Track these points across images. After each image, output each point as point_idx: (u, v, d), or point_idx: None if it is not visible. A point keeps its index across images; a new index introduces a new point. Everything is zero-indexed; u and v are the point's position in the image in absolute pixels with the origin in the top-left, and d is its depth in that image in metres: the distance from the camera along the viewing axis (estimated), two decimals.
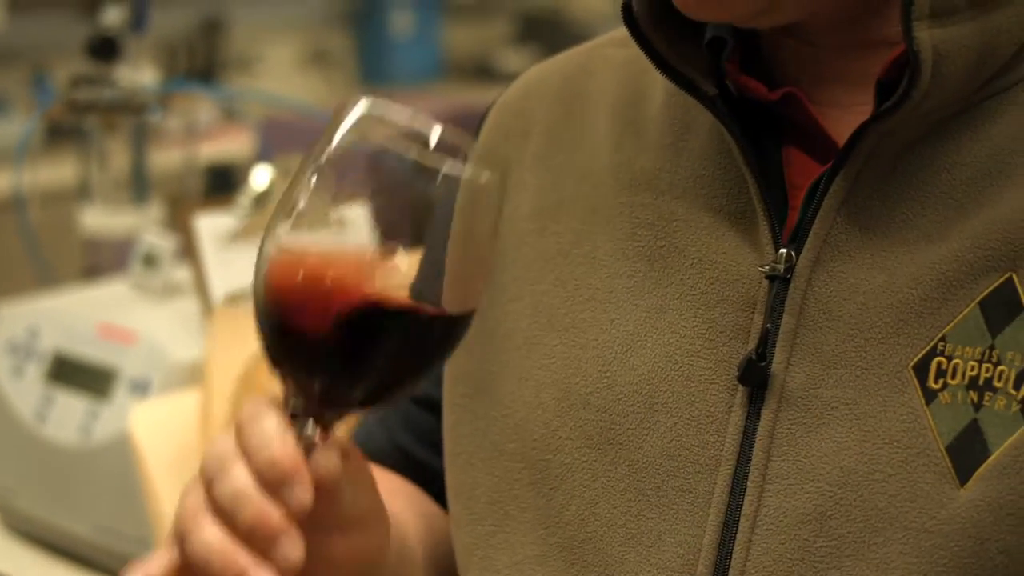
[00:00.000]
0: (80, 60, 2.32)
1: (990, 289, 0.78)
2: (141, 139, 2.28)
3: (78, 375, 1.75)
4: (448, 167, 0.75)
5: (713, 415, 0.84)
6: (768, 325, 0.82)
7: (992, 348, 0.78)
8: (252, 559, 0.73)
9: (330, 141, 0.76)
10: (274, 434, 0.74)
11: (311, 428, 0.76)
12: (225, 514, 0.74)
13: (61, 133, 3.13)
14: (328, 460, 0.75)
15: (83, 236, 2.27)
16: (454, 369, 0.97)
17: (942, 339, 0.79)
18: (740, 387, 0.83)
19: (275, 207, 0.78)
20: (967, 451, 0.77)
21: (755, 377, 0.82)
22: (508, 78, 1.05)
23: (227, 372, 1.52)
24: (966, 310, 0.79)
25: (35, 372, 1.79)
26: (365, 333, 0.74)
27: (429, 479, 1.05)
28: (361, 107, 0.77)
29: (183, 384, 1.63)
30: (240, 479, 0.74)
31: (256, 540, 0.73)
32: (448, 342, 0.78)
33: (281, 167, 1.75)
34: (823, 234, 0.82)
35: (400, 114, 0.76)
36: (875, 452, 0.79)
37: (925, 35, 0.77)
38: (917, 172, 0.81)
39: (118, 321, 1.74)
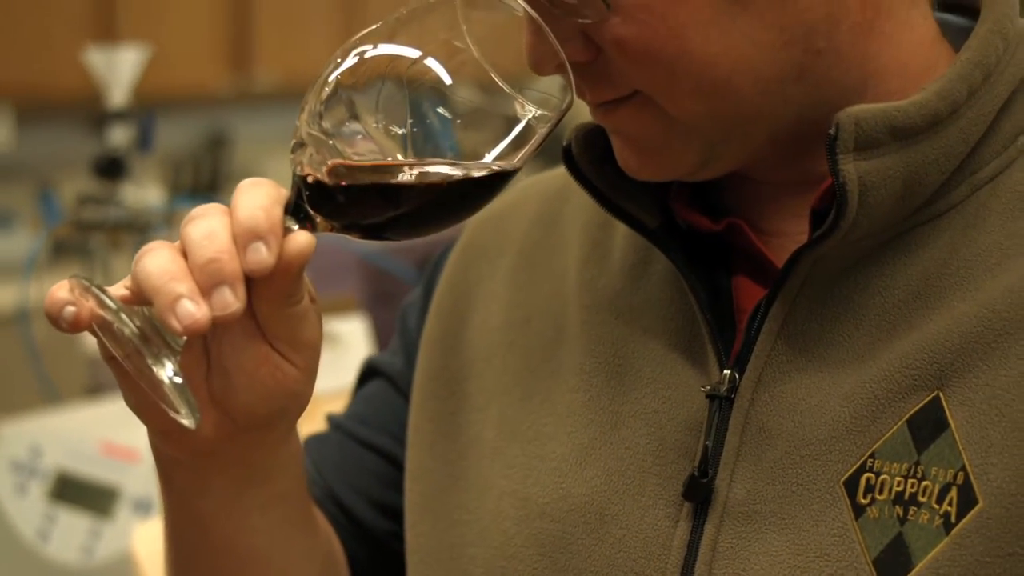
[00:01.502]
0: (86, 176, 2.34)
1: (917, 407, 0.81)
2: None
3: (81, 494, 1.75)
4: None
5: (660, 528, 0.86)
6: (708, 443, 0.84)
7: (918, 464, 0.80)
8: (194, 290, 0.73)
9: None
10: (264, 197, 0.76)
11: (298, 224, 0.78)
12: (188, 251, 0.75)
13: (67, 248, 3.15)
14: (303, 240, 0.76)
15: (87, 353, 2.28)
16: (415, 469, 0.98)
17: (871, 455, 0.81)
18: (686, 503, 0.85)
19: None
20: (892, 564, 0.79)
21: (698, 493, 0.84)
22: None
23: None
24: (894, 427, 0.81)
25: (38, 490, 1.79)
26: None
27: (353, 530, 1.04)
28: None
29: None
30: (215, 223, 0.75)
31: (205, 279, 0.74)
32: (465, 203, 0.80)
33: None
34: (764, 355, 0.84)
35: None
36: (807, 565, 0.81)
37: (850, 167, 0.80)
38: (851, 295, 0.84)
39: (121, 439, 1.75)
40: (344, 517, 1.04)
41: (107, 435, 1.78)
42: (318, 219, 0.78)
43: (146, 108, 2.40)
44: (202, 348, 0.80)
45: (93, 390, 2.24)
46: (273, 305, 0.79)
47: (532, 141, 0.78)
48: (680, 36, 0.79)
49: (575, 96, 0.80)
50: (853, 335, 0.83)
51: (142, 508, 1.65)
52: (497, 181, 0.78)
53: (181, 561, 0.93)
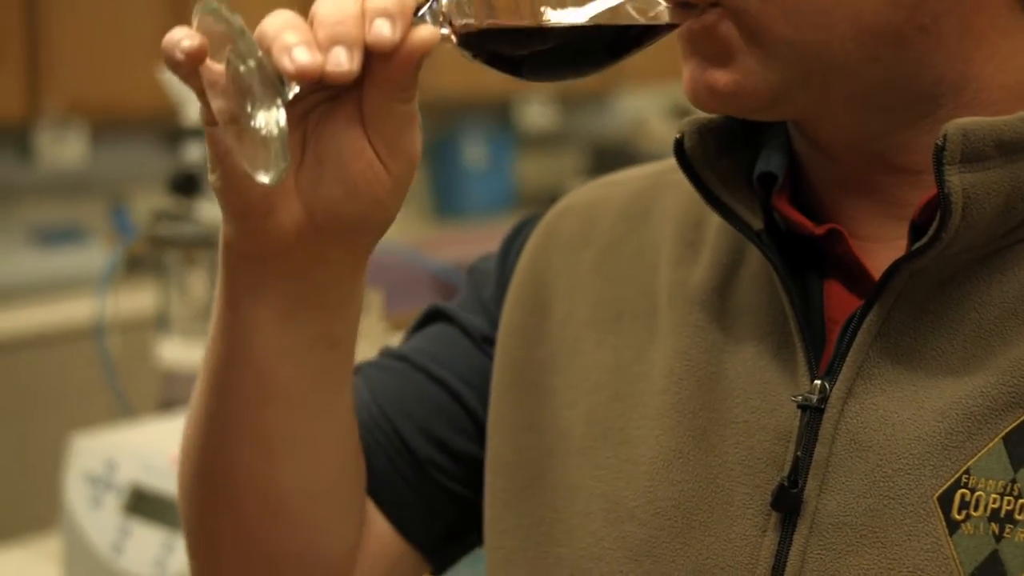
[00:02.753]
0: (159, 193, 2.36)
1: (1014, 425, 0.80)
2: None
3: (155, 507, 1.76)
4: None
5: (748, 537, 0.85)
6: (799, 453, 0.84)
7: (1014, 481, 0.79)
8: (311, 41, 0.74)
9: None
10: None
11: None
12: (315, 17, 0.76)
13: (141, 264, 3.17)
14: (429, 31, 0.77)
15: (161, 368, 2.29)
16: (496, 462, 0.98)
17: (966, 471, 0.80)
18: (774, 512, 0.84)
19: None
20: None
21: (787, 504, 0.84)
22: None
23: None
24: (990, 444, 0.80)
25: (112, 504, 1.80)
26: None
27: (409, 478, 1.01)
28: None
29: None
30: None
31: (325, 38, 0.75)
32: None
33: None
34: (856, 367, 0.84)
35: None
36: None
37: (956, 180, 0.79)
38: (947, 310, 0.84)
39: None
40: (399, 443, 1.01)
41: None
42: (452, 30, 0.79)
43: None
44: (300, 137, 0.80)
45: (167, 404, 2.25)
46: (384, 93, 0.79)
47: None
48: None
49: None
50: (947, 350, 0.83)
51: None
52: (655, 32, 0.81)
53: (211, 379, 0.90)
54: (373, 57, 0.77)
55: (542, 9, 0.78)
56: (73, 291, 4.19)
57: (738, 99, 0.84)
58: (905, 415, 0.82)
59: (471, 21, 0.79)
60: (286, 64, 0.73)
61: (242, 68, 0.73)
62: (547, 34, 0.79)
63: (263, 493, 0.92)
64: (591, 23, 0.79)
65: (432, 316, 1.06)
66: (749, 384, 0.88)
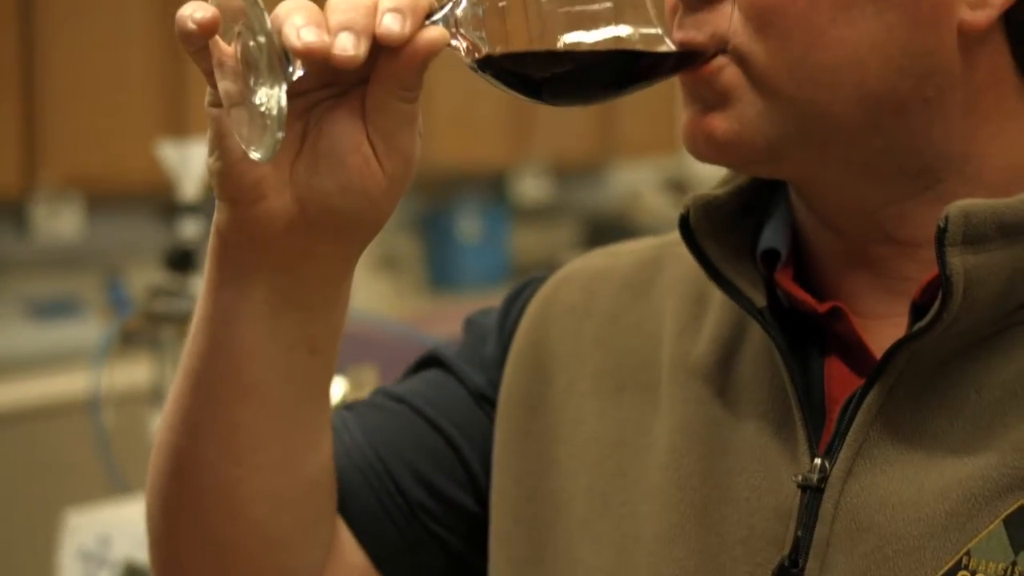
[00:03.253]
0: (155, 267, 2.36)
1: (1014, 507, 0.80)
2: None
3: None
4: None
5: None
6: (799, 533, 0.84)
7: (1015, 564, 0.79)
8: (320, 23, 0.75)
9: None
10: None
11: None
12: (328, 6, 0.77)
13: (136, 339, 3.17)
14: (438, 33, 0.78)
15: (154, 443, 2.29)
16: (500, 534, 0.98)
17: (967, 553, 0.80)
18: None
19: None
20: None
21: None
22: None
23: None
24: (991, 526, 0.80)
25: None
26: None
27: (393, 522, 1.00)
28: None
29: None
30: None
31: (335, 23, 0.76)
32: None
33: (354, 380, 1.77)
34: (856, 447, 0.84)
35: None
36: None
37: (958, 261, 0.80)
38: (948, 390, 0.84)
39: None
40: (391, 485, 0.99)
41: None
42: (466, 41, 0.79)
43: (215, 201, 2.43)
44: (301, 129, 0.81)
45: None
46: (387, 89, 0.79)
47: None
48: (812, 1, 0.80)
49: (666, 32, 0.81)
50: (948, 430, 0.82)
51: None
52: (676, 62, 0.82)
53: (187, 372, 0.89)
54: (380, 52, 0.77)
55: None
56: (68, 364, 4.17)
57: (735, 149, 0.84)
58: (906, 495, 0.82)
59: (482, 37, 0.79)
60: (293, 41, 0.74)
61: (251, 43, 0.75)
62: (559, 58, 0.80)
63: (227, 494, 0.90)
64: (603, 48, 0.79)
65: (429, 362, 1.05)
66: (750, 462, 0.88)
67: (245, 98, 0.76)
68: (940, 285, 0.80)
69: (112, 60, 4.39)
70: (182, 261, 2.23)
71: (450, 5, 0.79)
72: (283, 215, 0.82)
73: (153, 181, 3.26)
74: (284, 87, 0.75)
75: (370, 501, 0.99)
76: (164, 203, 2.41)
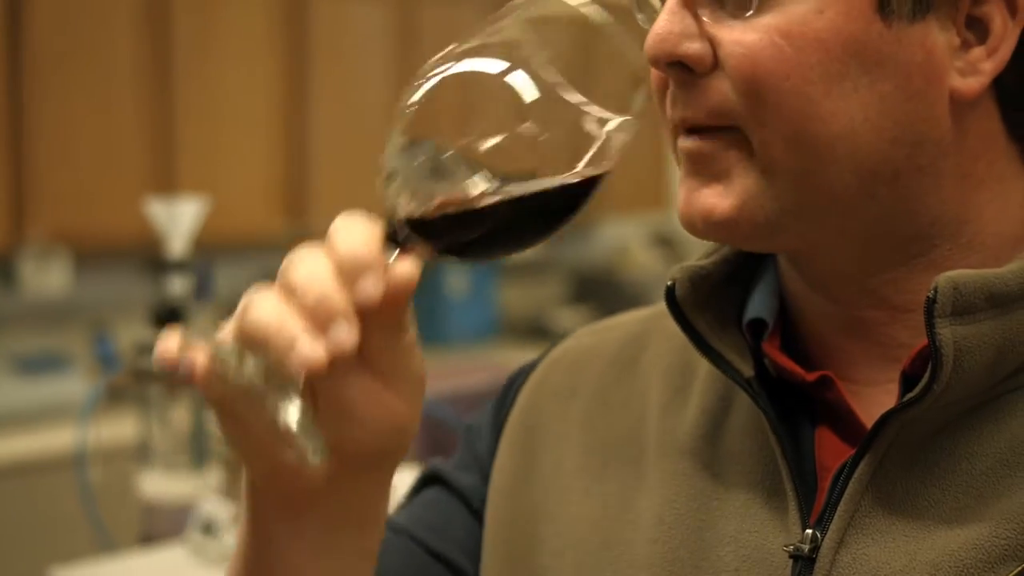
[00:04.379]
0: (142, 321, 2.36)
1: None
2: (201, 405, 2.31)
3: None
4: None
5: None
6: None
7: None
8: (308, 330, 0.72)
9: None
10: (362, 232, 0.75)
11: (397, 252, 0.77)
12: (293, 294, 0.74)
13: (123, 393, 3.17)
14: (407, 269, 0.76)
15: (141, 500, 2.28)
16: None
17: None
18: None
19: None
20: None
21: None
22: (562, 337, 1.08)
23: None
24: None
25: None
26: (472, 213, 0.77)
27: None
28: None
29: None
30: (317, 264, 0.74)
31: (316, 318, 0.72)
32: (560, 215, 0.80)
33: None
34: (847, 517, 0.83)
35: None
36: None
37: (947, 332, 0.80)
38: (939, 460, 0.83)
39: None
40: None
41: None
42: (417, 246, 0.78)
43: (204, 256, 2.43)
44: (309, 388, 0.78)
45: (147, 538, 2.24)
46: (384, 337, 0.77)
47: (615, 148, 0.78)
48: (805, 75, 0.80)
49: (659, 109, 0.81)
50: (940, 500, 0.82)
51: None
52: (592, 184, 0.78)
53: None
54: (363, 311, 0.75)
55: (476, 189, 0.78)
56: (54, 420, 4.17)
57: (735, 227, 0.84)
58: (897, 566, 0.81)
59: (422, 211, 0.78)
60: (292, 366, 0.72)
61: (246, 376, 0.74)
62: (485, 214, 0.78)
63: None
64: (529, 192, 0.78)
65: (429, 480, 1.05)
66: (739, 532, 0.87)
67: (260, 415, 0.74)
68: (930, 356, 0.80)
69: (101, 116, 4.40)
70: (169, 317, 2.23)
71: (389, 222, 0.78)
72: (323, 472, 0.80)
73: (141, 237, 3.27)
74: (297, 403, 0.74)
75: None
76: (151, 259, 2.41)
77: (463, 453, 1.05)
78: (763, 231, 0.84)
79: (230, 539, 1.83)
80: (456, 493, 1.03)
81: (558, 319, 5.70)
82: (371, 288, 0.73)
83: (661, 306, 0.98)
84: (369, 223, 0.76)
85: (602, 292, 5.82)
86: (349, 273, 0.73)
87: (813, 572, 0.83)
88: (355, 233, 0.75)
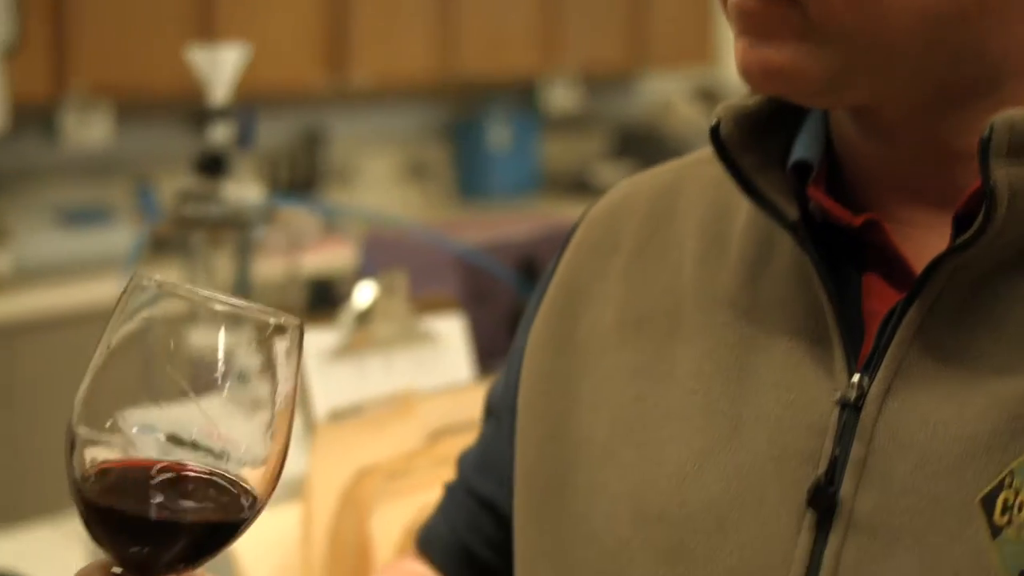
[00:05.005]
0: (184, 172, 2.35)
1: None
2: (246, 253, 2.31)
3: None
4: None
5: (781, 537, 0.83)
6: (837, 451, 0.82)
7: None
8: None
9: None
10: None
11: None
12: None
13: (166, 245, 3.18)
14: None
15: (189, 350, 2.29)
16: (524, 470, 0.98)
17: (1010, 474, 0.78)
18: (809, 511, 0.82)
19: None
20: None
21: (823, 502, 0.81)
22: (604, 192, 1.07)
23: (329, 488, 1.52)
24: None
25: None
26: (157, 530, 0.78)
27: None
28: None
29: (285, 499, 1.64)
30: None
31: None
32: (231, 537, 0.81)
33: (385, 284, 1.77)
34: (896, 363, 0.82)
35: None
36: None
37: (1002, 173, 0.77)
38: (991, 305, 0.81)
39: (222, 428, 1.75)
40: (472, 564, 1.08)
41: (228, 429, 1.78)
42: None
43: (245, 105, 2.42)
44: None
45: (193, 389, 2.25)
46: None
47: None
48: None
49: None
50: (991, 348, 0.80)
51: None
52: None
53: None
54: None
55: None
56: (99, 272, 4.20)
57: (794, 82, 0.82)
58: (947, 414, 0.80)
59: None
60: None
61: None
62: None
63: None
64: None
65: (485, 412, 1.11)
66: (782, 379, 0.86)
67: None
68: (984, 197, 0.78)
69: None
70: (212, 165, 2.22)
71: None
72: None
73: (182, 88, 3.25)
74: None
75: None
76: (194, 109, 2.40)
77: (508, 357, 1.07)
78: (826, 86, 0.81)
79: (261, 386, 1.84)
80: (499, 418, 1.06)
81: (600, 174, 5.68)
82: None
83: (694, 155, 0.96)
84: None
85: (645, 147, 5.79)
86: None
87: (859, 419, 0.82)
88: None
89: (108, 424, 0.78)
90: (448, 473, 1.15)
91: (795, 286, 0.88)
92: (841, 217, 0.85)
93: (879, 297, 0.85)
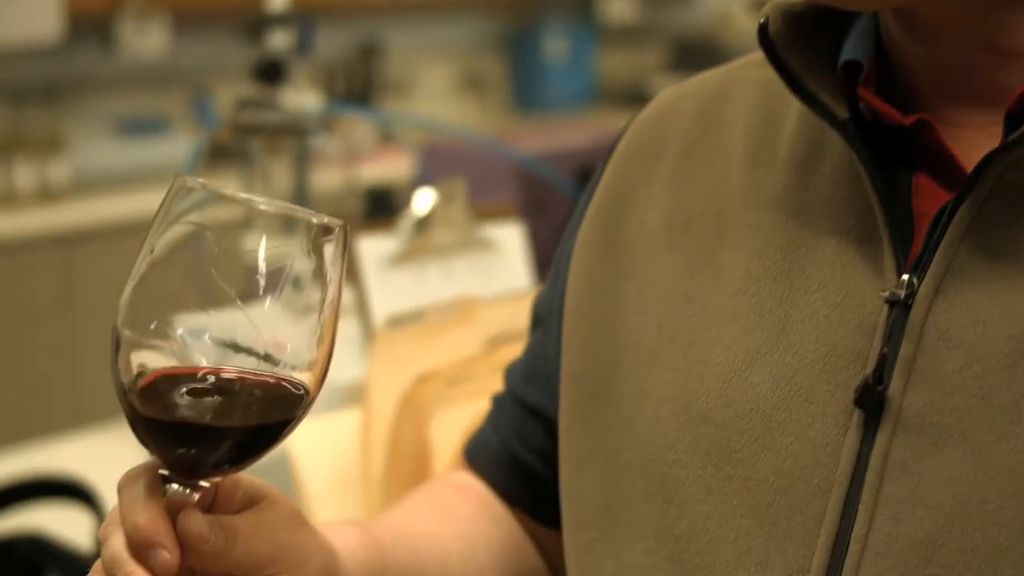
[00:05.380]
0: (240, 82, 2.35)
1: None
2: (303, 161, 2.31)
3: None
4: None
5: (828, 437, 0.83)
6: (886, 350, 0.82)
7: None
8: None
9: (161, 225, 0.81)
10: (140, 500, 0.80)
11: (180, 488, 0.81)
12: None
13: (224, 153, 3.18)
14: (190, 522, 0.81)
15: (243, 260, 2.30)
16: (569, 375, 0.98)
17: None
18: (856, 410, 0.82)
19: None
20: None
21: (871, 401, 0.81)
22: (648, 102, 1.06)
23: (388, 393, 1.53)
24: None
25: None
26: (205, 419, 0.79)
27: (538, 487, 1.08)
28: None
29: (344, 405, 1.64)
30: (115, 544, 0.80)
31: None
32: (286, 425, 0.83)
33: (443, 191, 1.77)
34: (946, 262, 0.81)
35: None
36: (988, 482, 0.78)
37: None
38: None
39: (279, 334, 1.76)
40: (520, 472, 1.09)
41: (274, 334, 1.79)
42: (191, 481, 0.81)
43: (303, 14, 2.41)
44: None
45: (248, 295, 2.26)
46: (218, 567, 0.84)
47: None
48: None
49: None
50: None
51: None
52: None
53: None
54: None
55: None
56: (157, 181, 4.22)
57: None
58: (996, 312, 0.79)
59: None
60: None
61: None
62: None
63: None
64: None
65: (532, 322, 1.12)
66: (830, 279, 0.86)
67: None
68: None
69: None
70: (270, 72, 2.21)
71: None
72: None
73: None
74: None
75: (512, 481, 1.12)
76: (251, 18, 2.39)
77: (553, 274, 1.07)
78: None
79: (310, 291, 1.85)
80: (546, 326, 1.06)
81: (656, 85, 5.64)
82: (165, 559, 0.79)
83: (742, 60, 0.95)
84: (144, 477, 0.81)
85: (701, 58, 5.73)
86: (139, 548, 0.79)
87: (908, 318, 0.81)
88: (134, 499, 0.80)
89: (153, 327, 0.79)
90: None
91: (844, 187, 0.87)
92: (891, 117, 0.85)
93: (929, 197, 0.84)
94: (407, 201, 1.80)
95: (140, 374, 0.79)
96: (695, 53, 5.90)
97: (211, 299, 0.79)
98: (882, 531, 0.80)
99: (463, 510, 1.11)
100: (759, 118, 0.94)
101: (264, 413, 0.81)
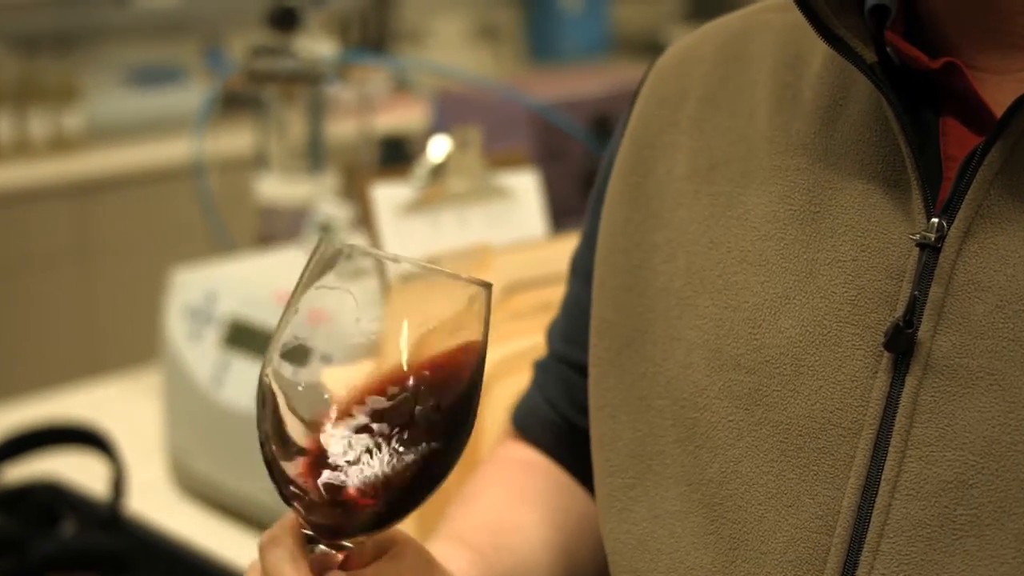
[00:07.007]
0: (254, 31, 2.34)
1: None
2: (318, 109, 2.30)
3: (254, 341, 1.77)
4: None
5: (858, 380, 0.84)
6: (916, 293, 0.82)
7: None
8: None
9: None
10: (288, 562, 0.80)
11: (324, 548, 0.82)
12: None
13: (238, 102, 3.17)
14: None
15: (259, 204, 2.30)
16: (600, 324, 0.98)
17: None
18: (886, 353, 0.83)
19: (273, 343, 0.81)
20: None
21: (901, 344, 0.81)
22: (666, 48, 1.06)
23: (403, 343, 1.52)
24: None
25: (212, 337, 1.81)
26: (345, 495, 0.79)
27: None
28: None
29: (360, 354, 1.63)
30: None
31: None
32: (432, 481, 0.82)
33: (459, 138, 1.76)
34: (975, 205, 0.81)
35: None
36: (1019, 423, 0.78)
37: None
38: None
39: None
40: (574, 436, 1.09)
41: (280, 283, 1.80)
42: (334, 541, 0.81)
43: None
44: None
45: (265, 240, 2.26)
46: None
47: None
48: None
49: None
50: None
51: None
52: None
53: None
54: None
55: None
56: (171, 130, 4.21)
57: None
58: None
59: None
60: None
61: None
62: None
63: None
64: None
65: (569, 274, 1.12)
66: (858, 222, 0.86)
67: None
68: None
69: None
70: (285, 19, 2.20)
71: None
72: None
73: None
74: None
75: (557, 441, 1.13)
76: None
77: (586, 226, 1.08)
78: None
79: (345, 238, 1.84)
80: (583, 278, 1.06)
81: (672, 35, 5.61)
82: None
83: (763, 3, 0.95)
84: (289, 536, 0.81)
85: (719, 8, 5.71)
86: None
87: (938, 261, 0.81)
88: (279, 561, 0.80)
89: (301, 388, 0.79)
90: (523, 327, 1.14)
91: (872, 130, 0.87)
92: (919, 61, 0.84)
93: (957, 141, 0.84)
94: (422, 150, 1.80)
95: (299, 451, 0.79)
96: (710, 3, 5.87)
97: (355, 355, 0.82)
98: (912, 472, 0.81)
99: (534, 490, 1.10)
100: (782, 61, 0.94)
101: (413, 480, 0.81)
